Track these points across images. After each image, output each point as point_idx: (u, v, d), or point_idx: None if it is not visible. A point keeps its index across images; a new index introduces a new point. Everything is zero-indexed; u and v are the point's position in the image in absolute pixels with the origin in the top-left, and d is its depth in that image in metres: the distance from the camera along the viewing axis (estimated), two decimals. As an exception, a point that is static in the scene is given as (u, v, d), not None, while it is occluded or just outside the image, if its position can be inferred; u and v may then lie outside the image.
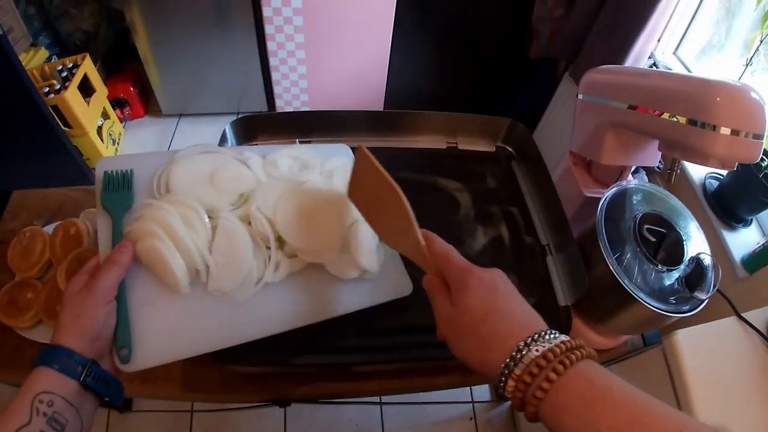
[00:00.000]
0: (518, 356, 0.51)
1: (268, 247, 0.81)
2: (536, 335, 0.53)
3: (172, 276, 0.73)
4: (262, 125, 1.09)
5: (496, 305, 0.57)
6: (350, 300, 0.78)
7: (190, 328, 0.74)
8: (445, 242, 0.66)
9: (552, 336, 0.53)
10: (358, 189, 0.79)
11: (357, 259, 0.82)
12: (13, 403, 0.59)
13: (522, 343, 0.52)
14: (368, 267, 0.83)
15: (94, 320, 0.66)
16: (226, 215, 0.81)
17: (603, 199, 0.95)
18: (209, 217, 0.80)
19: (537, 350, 0.51)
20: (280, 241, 0.83)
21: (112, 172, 0.82)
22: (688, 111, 0.86)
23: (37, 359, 0.63)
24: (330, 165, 0.96)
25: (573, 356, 0.50)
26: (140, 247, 0.74)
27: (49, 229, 1.09)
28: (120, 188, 0.81)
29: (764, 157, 1.56)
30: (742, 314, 1.16)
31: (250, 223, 0.82)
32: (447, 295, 0.62)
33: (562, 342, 0.52)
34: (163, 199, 0.80)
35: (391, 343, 0.91)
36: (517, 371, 0.51)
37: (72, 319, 0.65)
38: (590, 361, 0.51)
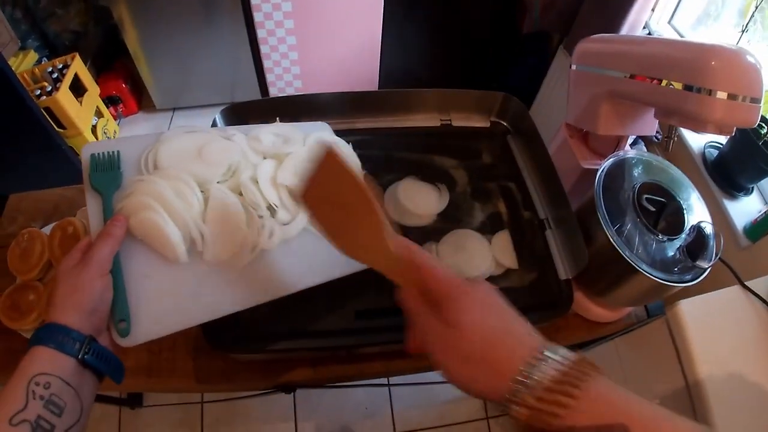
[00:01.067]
0: (527, 381, 0.47)
1: (261, 216, 0.82)
2: (543, 354, 0.48)
3: (170, 246, 0.73)
4: (252, 111, 1.08)
5: (501, 324, 0.52)
6: (347, 262, 0.76)
7: (189, 299, 0.73)
8: (426, 252, 0.60)
9: (561, 354, 0.48)
10: (316, 192, 0.70)
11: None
12: (8, 388, 0.57)
13: (531, 367, 0.47)
14: None
15: (91, 293, 0.64)
16: (216, 186, 0.82)
17: (600, 170, 0.94)
18: (200, 190, 0.81)
19: (549, 372, 0.47)
20: (272, 210, 0.83)
21: (98, 154, 0.82)
22: (683, 77, 0.85)
23: (32, 339, 0.61)
24: (312, 138, 0.97)
25: (586, 376, 0.46)
26: (135, 221, 0.73)
27: (47, 230, 1.09)
28: (108, 168, 0.81)
29: (763, 125, 1.55)
30: (745, 283, 1.15)
31: (240, 194, 0.83)
32: (434, 312, 0.55)
33: (570, 360, 0.48)
34: (154, 174, 0.81)
35: (393, 324, 0.90)
36: (529, 399, 0.46)
37: (68, 294, 0.64)
38: (602, 378, 0.48)
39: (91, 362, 0.62)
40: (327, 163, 0.67)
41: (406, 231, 1.04)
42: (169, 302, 0.72)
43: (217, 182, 0.84)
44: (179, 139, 0.88)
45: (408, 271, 0.59)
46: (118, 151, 0.83)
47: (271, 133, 0.96)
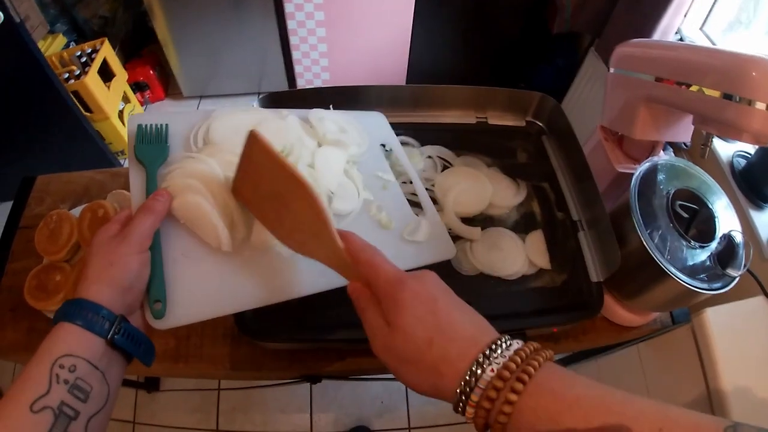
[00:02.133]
0: (473, 380, 0.46)
1: None
2: (488, 350, 0.47)
3: (213, 233, 0.70)
4: (289, 100, 1.08)
5: (439, 323, 0.50)
6: (396, 261, 0.76)
7: (228, 285, 0.70)
8: (369, 244, 0.59)
9: (504, 347, 0.48)
10: (248, 183, 0.68)
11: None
12: (29, 369, 0.52)
13: (475, 364, 0.47)
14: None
15: (128, 269, 0.60)
16: None
17: (636, 173, 0.94)
18: None
19: (492, 369, 0.46)
20: (329, 198, 0.83)
21: (145, 126, 0.78)
22: (722, 85, 0.85)
23: (58, 314, 0.57)
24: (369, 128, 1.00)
25: (530, 368, 0.45)
26: (178, 202, 0.70)
27: (76, 212, 1.09)
28: (155, 141, 0.78)
29: (792, 135, 1.54)
30: (770, 294, 1.15)
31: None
32: (378, 309, 0.55)
33: (516, 352, 0.47)
34: (203, 151, 0.78)
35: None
36: (474, 397, 0.46)
37: (103, 268, 0.59)
38: (551, 366, 0.47)
39: (121, 344, 0.58)
40: (253, 149, 0.64)
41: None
42: (207, 287, 0.69)
43: None
44: (233, 116, 0.86)
45: (354, 264, 0.58)
46: (166, 125, 0.80)
47: (328, 119, 0.95)
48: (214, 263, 0.71)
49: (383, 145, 1.02)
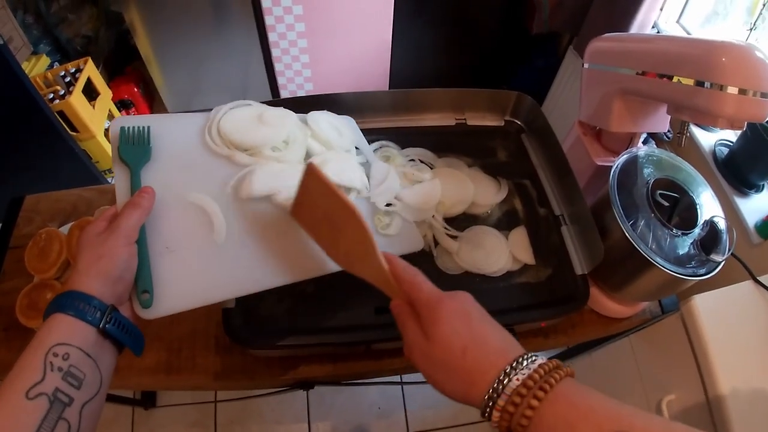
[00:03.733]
0: (500, 387, 0.51)
1: None
2: (515, 362, 0.52)
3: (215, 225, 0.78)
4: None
5: (473, 336, 0.56)
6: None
7: (212, 276, 0.74)
8: (411, 266, 0.64)
9: (530, 360, 0.52)
10: (306, 208, 0.75)
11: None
12: (24, 358, 0.55)
13: (502, 374, 0.51)
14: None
15: (117, 260, 0.63)
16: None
17: (615, 166, 0.95)
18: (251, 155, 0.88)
19: (518, 379, 0.50)
20: None
21: (128, 128, 0.82)
22: (695, 73, 0.86)
23: (50, 306, 0.59)
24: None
25: (552, 379, 0.50)
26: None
27: (65, 230, 1.10)
28: (138, 142, 0.81)
29: (773, 122, 1.56)
30: (759, 278, 1.16)
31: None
32: (418, 323, 0.59)
33: (540, 366, 0.51)
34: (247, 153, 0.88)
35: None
36: (501, 402, 0.50)
37: (93, 261, 0.62)
38: (570, 381, 0.51)
39: (113, 332, 0.60)
40: (311, 179, 0.71)
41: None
42: (192, 277, 0.73)
43: (272, 150, 0.89)
44: (239, 110, 0.93)
45: (398, 283, 0.63)
46: (148, 127, 0.84)
47: (323, 121, 1.00)
48: (198, 255, 0.75)
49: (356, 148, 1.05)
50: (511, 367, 0.51)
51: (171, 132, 0.87)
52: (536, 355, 0.53)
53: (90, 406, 0.56)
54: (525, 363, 0.52)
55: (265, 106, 0.96)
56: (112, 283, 0.62)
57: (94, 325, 0.58)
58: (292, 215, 0.77)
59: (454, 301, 0.59)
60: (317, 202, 0.71)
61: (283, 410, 2.10)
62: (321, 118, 1.00)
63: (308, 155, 0.95)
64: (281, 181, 0.85)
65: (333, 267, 0.79)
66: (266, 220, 0.82)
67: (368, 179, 0.98)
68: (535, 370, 0.51)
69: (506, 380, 0.51)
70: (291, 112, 0.97)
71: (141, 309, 0.66)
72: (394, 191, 0.99)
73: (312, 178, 0.70)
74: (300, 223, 0.76)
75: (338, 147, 0.97)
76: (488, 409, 0.51)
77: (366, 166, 1.02)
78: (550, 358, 0.53)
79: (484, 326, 0.57)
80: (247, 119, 0.91)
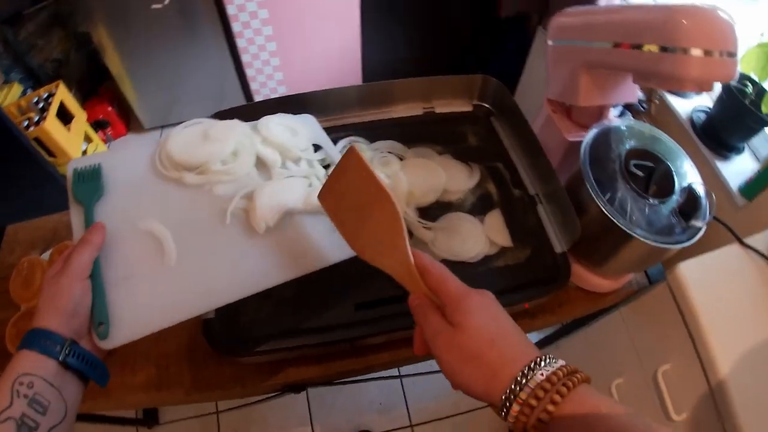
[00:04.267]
0: (523, 381, 0.51)
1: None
2: (538, 359, 0.53)
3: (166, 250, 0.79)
4: (237, 116, 1.09)
5: (500, 330, 0.57)
6: (334, 251, 0.83)
7: (168, 297, 0.76)
8: (438, 262, 0.64)
9: (552, 361, 0.53)
10: (336, 192, 0.74)
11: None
12: None
13: (527, 368, 0.52)
14: None
15: (69, 297, 0.66)
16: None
17: (585, 140, 0.95)
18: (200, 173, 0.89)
19: (542, 374, 0.51)
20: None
21: (80, 168, 0.86)
22: (658, 39, 0.85)
23: (19, 344, 0.63)
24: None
25: (574, 379, 0.51)
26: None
27: (47, 256, 1.11)
28: (89, 180, 0.85)
29: (748, 83, 1.56)
30: (744, 240, 1.16)
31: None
32: (440, 315, 0.60)
33: (562, 367, 0.52)
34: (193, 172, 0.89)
35: (393, 312, 0.92)
36: (523, 395, 0.50)
37: (49, 299, 0.66)
38: (587, 386, 0.52)
39: (74, 364, 0.64)
40: (350, 162, 0.70)
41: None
42: (150, 303, 0.75)
43: (221, 163, 0.90)
44: (185, 131, 0.94)
45: (420, 278, 0.62)
46: (99, 164, 0.87)
47: (274, 124, 0.99)
48: (151, 281, 0.77)
49: (315, 146, 1.03)
50: (535, 363, 0.52)
51: (124, 164, 0.90)
52: (555, 357, 0.54)
53: (56, 431, 0.60)
54: (548, 361, 0.53)
55: (213, 121, 0.96)
56: (67, 319, 0.65)
57: (55, 358, 0.62)
58: (319, 199, 0.77)
59: (481, 296, 0.60)
60: (350, 187, 0.71)
61: (286, 414, 2.11)
62: (271, 122, 0.99)
63: (261, 163, 0.95)
64: (288, 194, 0.88)
65: (291, 274, 0.80)
66: (220, 237, 0.83)
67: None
68: (558, 369, 0.52)
69: (530, 375, 0.51)
70: (239, 122, 0.96)
71: (99, 340, 0.69)
72: None
73: (351, 159, 0.70)
74: (325, 208, 0.76)
75: (292, 148, 0.96)
76: (508, 403, 0.51)
77: (325, 162, 1.02)
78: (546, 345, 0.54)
79: (509, 324, 0.58)
80: (193, 138, 0.92)
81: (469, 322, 0.56)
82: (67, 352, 0.63)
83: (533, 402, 0.50)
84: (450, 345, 0.56)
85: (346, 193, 0.72)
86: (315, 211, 0.88)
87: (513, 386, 0.51)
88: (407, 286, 0.64)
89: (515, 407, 0.50)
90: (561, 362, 0.53)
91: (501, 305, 0.61)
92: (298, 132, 1.00)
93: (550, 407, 0.49)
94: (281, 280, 0.79)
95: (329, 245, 0.84)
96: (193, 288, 0.77)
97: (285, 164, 0.96)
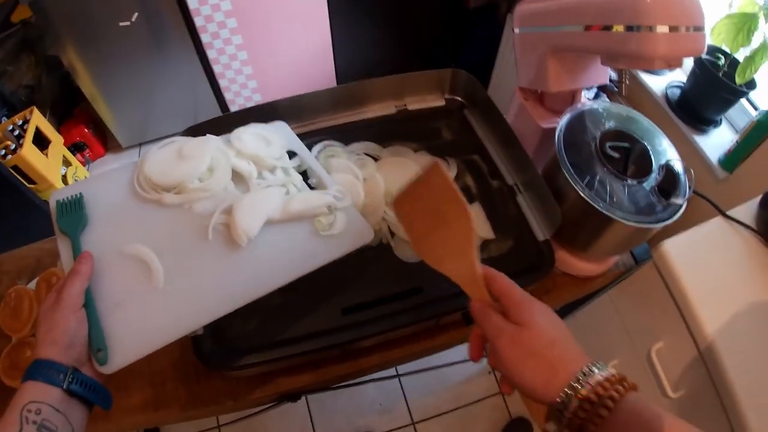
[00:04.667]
0: (583, 378, 0.54)
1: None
2: (594, 362, 0.56)
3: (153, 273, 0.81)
4: (210, 130, 1.08)
5: (561, 333, 0.59)
6: (316, 257, 0.83)
7: (161, 318, 0.77)
8: (503, 274, 0.66)
9: (605, 366, 0.56)
10: (413, 200, 0.76)
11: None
12: (4, 417, 0.62)
13: (586, 368, 0.55)
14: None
15: (65, 329, 0.68)
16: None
17: (559, 126, 0.95)
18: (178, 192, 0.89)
19: (601, 374, 0.54)
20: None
21: (63, 199, 0.87)
22: (623, 19, 0.85)
23: (23, 376, 0.66)
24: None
25: (627, 383, 0.54)
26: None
27: (33, 285, 1.11)
28: (73, 211, 0.86)
29: (720, 55, 1.56)
30: (727, 213, 1.16)
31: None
32: (503, 316, 0.62)
33: (614, 373, 0.55)
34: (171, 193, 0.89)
35: (379, 314, 0.92)
36: (584, 392, 0.53)
37: (46, 333, 0.68)
38: (638, 394, 0.54)
39: (77, 391, 0.66)
40: (432, 175, 0.73)
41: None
42: (144, 326, 0.76)
43: (198, 180, 0.90)
44: (159, 151, 0.94)
45: (484, 285, 0.65)
46: (80, 193, 0.89)
47: (247, 135, 0.99)
48: (143, 303, 0.78)
49: (289, 153, 1.03)
50: (593, 364, 0.55)
51: (104, 190, 0.91)
52: (607, 365, 0.57)
53: None
54: (600, 366, 0.55)
55: (187, 138, 0.96)
56: (65, 349, 0.68)
57: (59, 386, 0.65)
58: (394, 204, 0.79)
59: (543, 304, 0.62)
60: (430, 197, 0.73)
61: (287, 423, 2.11)
62: (244, 133, 0.99)
63: (238, 175, 0.95)
64: (267, 204, 0.88)
65: (277, 283, 0.81)
66: (205, 254, 0.84)
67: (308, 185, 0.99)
68: (613, 374, 0.55)
69: (589, 375, 0.54)
70: (212, 137, 0.97)
71: (99, 366, 0.71)
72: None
73: (436, 174, 0.72)
74: (397, 212, 0.78)
75: (266, 158, 0.96)
76: (567, 399, 0.54)
77: (301, 168, 1.02)
78: None
79: (567, 330, 0.61)
80: (168, 158, 0.93)
81: (534, 320, 0.59)
82: (70, 380, 0.66)
83: (594, 397, 0.52)
84: (513, 342, 0.59)
85: (423, 201, 0.74)
86: (294, 218, 0.89)
87: (574, 383, 0.54)
88: (470, 292, 0.67)
89: (574, 402, 0.53)
90: (612, 369, 0.56)
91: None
92: (271, 141, 1.00)
93: (610, 403, 0.52)
94: (269, 289, 0.80)
95: (312, 250, 0.85)
96: (184, 306, 0.78)
97: (261, 174, 0.96)
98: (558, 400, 0.54)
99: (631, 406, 0.52)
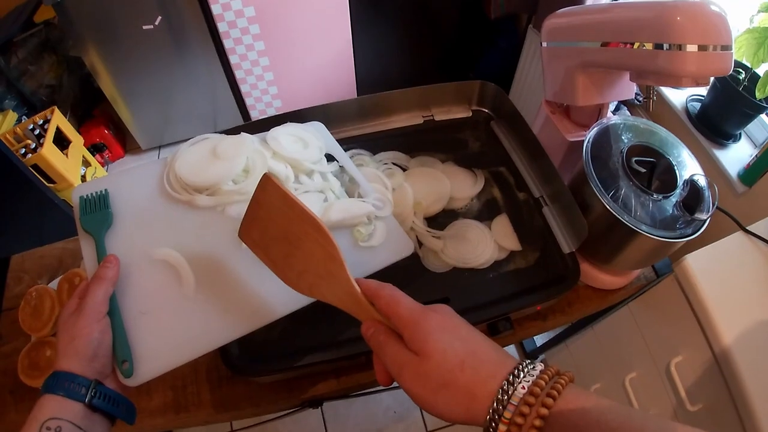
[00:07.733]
0: (505, 398, 0.47)
1: None
2: (515, 370, 0.49)
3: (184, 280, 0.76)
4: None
5: (467, 348, 0.52)
6: (355, 269, 0.78)
7: (191, 329, 0.73)
8: (387, 284, 0.60)
9: (531, 367, 0.49)
10: (257, 226, 0.69)
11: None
12: None
13: (506, 383, 0.48)
14: None
15: (88, 340, 0.64)
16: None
17: (586, 140, 0.95)
18: (211, 194, 0.85)
19: (523, 387, 0.47)
20: None
21: (86, 195, 0.82)
22: (652, 37, 0.85)
23: (42, 388, 0.62)
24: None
25: (558, 385, 0.47)
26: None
27: (54, 284, 1.10)
28: (97, 209, 0.81)
29: (740, 69, 1.57)
30: (747, 227, 1.16)
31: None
32: (400, 342, 0.55)
33: (543, 372, 0.49)
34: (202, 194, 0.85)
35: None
36: (507, 414, 0.46)
37: (67, 343, 0.64)
38: (574, 386, 0.48)
39: (100, 406, 0.62)
40: (266, 191, 0.65)
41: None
42: (171, 337, 0.72)
43: (233, 182, 0.86)
44: (192, 149, 0.91)
45: (369, 304, 0.59)
46: (105, 190, 0.83)
47: (283, 136, 0.96)
48: (172, 312, 0.74)
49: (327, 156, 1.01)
50: (513, 376, 0.48)
51: (131, 187, 0.86)
52: (534, 362, 0.50)
53: None
54: (526, 370, 0.49)
55: (221, 136, 0.93)
56: (88, 361, 0.64)
57: (80, 401, 0.61)
58: (240, 236, 0.72)
59: (438, 314, 0.55)
60: (272, 217, 0.66)
61: (301, 429, 2.10)
62: (281, 134, 0.96)
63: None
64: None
65: (299, 302, 0.77)
66: (238, 261, 0.80)
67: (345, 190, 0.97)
68: (539, 377, 0.48)
69: (510, 390, 0.47)
70: (247, 135, 0.94)
71: (124, 378, 0.67)
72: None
73: (267, 188, 0.65)
74: (249, 244, 0.71)
75: (304, 161, 0.93)
76: (494, 424, 0.47)
77: (338, 173, 1.01)
78: (546, 365, 0.51)
79: (476, 338, 0.54)
80: (202, 157, 0.89)
81: (433, 347, 0.52)
82: (92, 393, 0.62)
83: (519, 420, 0.46)
84: (417, 376, 0.52)
85: (268, 224, 0.67)
86: (333, 227, 0.85)
87: (495, 406, 0.47)
88: (356, 315, 0.60)
89: (501, 427, 0.46)
90: (540, 366, 0.49)
91: (460, 317, 0.57)
92: (308, 143, 0.97)
93: (538, 422, 0.45)
94: (304, 302, 0.76)
95: (350, 262, 0.80)
96: (216, 317, 0.74)
97: (298, 178, 0.93)
98: (485, 424, 0.48)
99: (565, 414, 0.45)
